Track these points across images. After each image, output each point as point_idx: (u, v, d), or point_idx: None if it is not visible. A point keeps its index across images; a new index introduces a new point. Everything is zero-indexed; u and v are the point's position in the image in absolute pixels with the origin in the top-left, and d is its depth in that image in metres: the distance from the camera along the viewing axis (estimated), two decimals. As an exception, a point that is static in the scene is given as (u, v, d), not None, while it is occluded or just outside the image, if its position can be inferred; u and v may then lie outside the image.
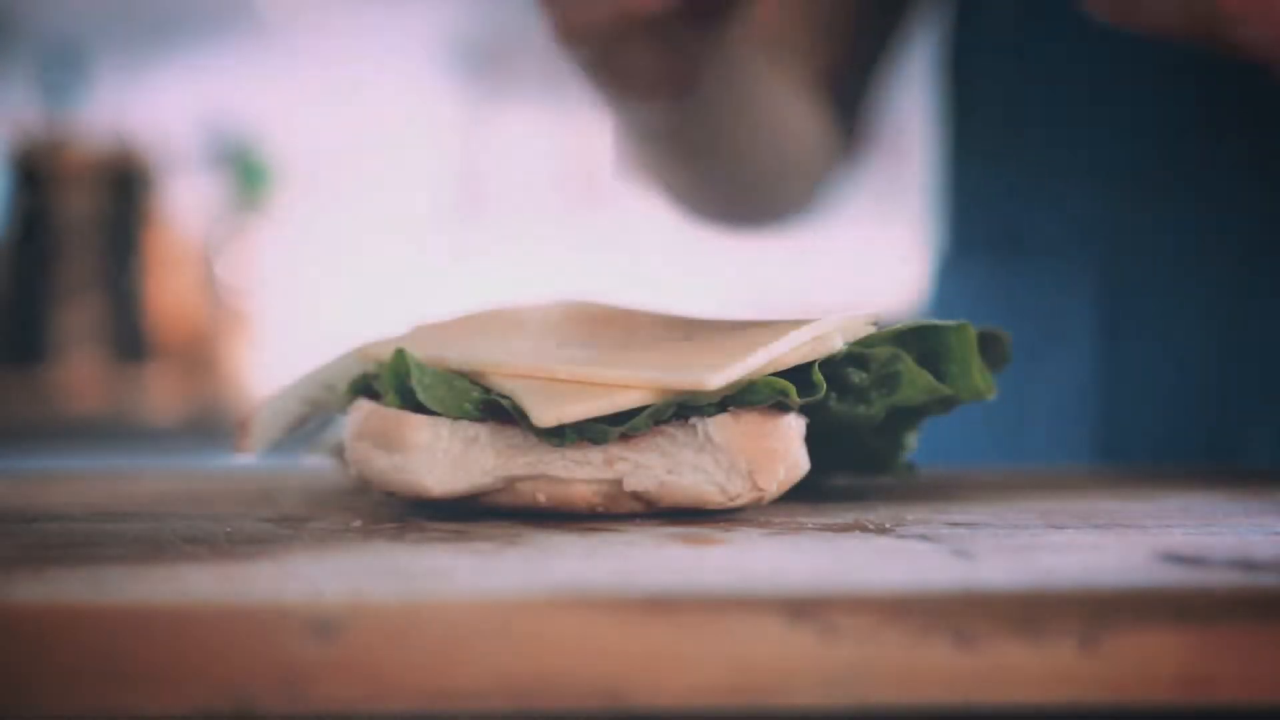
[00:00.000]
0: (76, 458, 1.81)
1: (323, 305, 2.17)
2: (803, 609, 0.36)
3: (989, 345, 0.53)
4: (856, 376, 0.50)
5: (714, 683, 0.36)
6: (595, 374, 0.48)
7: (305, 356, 0.61)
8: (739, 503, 0.48)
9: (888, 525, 0.47)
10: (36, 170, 2.03)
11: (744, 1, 0.68)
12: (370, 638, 0.35)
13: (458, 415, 0.49)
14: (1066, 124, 0.69)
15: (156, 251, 2.10)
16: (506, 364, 0.49)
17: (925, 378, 0.51)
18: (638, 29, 0.63)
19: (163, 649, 0.35)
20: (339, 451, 0.58)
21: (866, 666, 0.36)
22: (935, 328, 0.52)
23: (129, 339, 2.04)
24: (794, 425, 0.49)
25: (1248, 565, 0.40)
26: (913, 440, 0.55)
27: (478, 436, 0.49)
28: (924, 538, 0.44)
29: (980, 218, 0.82)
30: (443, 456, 0.48)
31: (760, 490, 0.48)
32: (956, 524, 0.47)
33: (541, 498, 0.48)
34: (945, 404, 0.53)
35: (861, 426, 0.51)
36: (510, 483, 0.49)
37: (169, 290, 2.11)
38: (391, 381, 0.50)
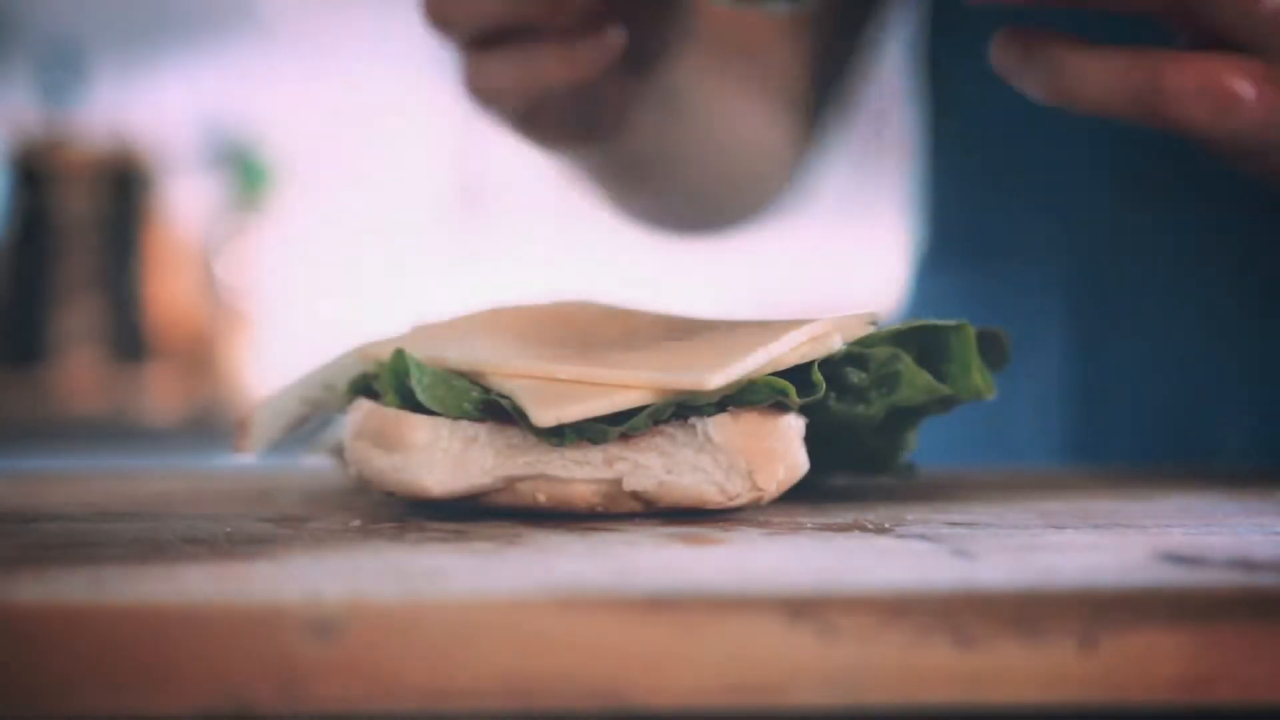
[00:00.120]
0: (76, 458, 1.81)
1: (323, 305, 2.17)
2: (802, 609, 0.36)
3: (988, 345, 0.53)
4: (856, 376, 0.50)
5: (714, 683, 0.36)
6: (595, 374, 0.48)
7: (305, 356, 0.61)
8: (738, 503, 0.48)
9: (887, 525, 0.47)
10: (36, 170, 2.03)
11: (671, 47, 0.68)
12: (370, 638, 0.35)
13: (457, 415, 0.49)
14: (1042, 127, 0.69)
15: (156, 251, 2.10)
16: (506, 364, 0.49)
17: (924, 377, 0.51)
18: (555, 92, 0.63)
19: (162, 649, 0.35)
20: (338, 451, 0.58)
21: (866, 666, 0.36)
22: (934, 327, 0.52)
23: (129, 339, 2.04)
24: (793, 425, 0.49)
25: (1247, 565, 0.40)
26: (912, 440, 0.55)
27: (477, 436, 0.49)
28: (924, 537, 0.44)
29: (957, 221, 0.83)
30: (442, 456, 0.48)
31: (760, 490, 0.48)
32: (956, 524, 0.47)
33: (541, 497, 0.48)
34: (945, 404, 0.53)
35: (861, 426, 0.52)
36: (510, 482, 0.49)
37: (169, 290, 2.11)
38: (391, 381, 0.50)
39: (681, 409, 0.48)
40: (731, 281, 2.13)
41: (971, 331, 0.52)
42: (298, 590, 0.36)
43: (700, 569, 0.40)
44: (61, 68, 2.11)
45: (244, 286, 2.14)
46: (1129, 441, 0.75)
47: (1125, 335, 0.74)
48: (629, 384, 0.48)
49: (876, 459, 0.55)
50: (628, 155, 0.74)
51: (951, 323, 0.52)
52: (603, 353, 0.50)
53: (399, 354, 0.50)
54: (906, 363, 0.50)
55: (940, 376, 0.51)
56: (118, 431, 1.91)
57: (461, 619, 0.36)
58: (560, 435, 0.47)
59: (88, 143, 2.07)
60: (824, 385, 0.49)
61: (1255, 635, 0.36)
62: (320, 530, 0.46)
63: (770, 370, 0.49)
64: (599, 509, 0.49)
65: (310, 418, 0.56)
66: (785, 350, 0.49)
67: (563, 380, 0.48)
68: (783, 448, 0.48)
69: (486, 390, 0.49)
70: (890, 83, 0.98)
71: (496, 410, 0.48)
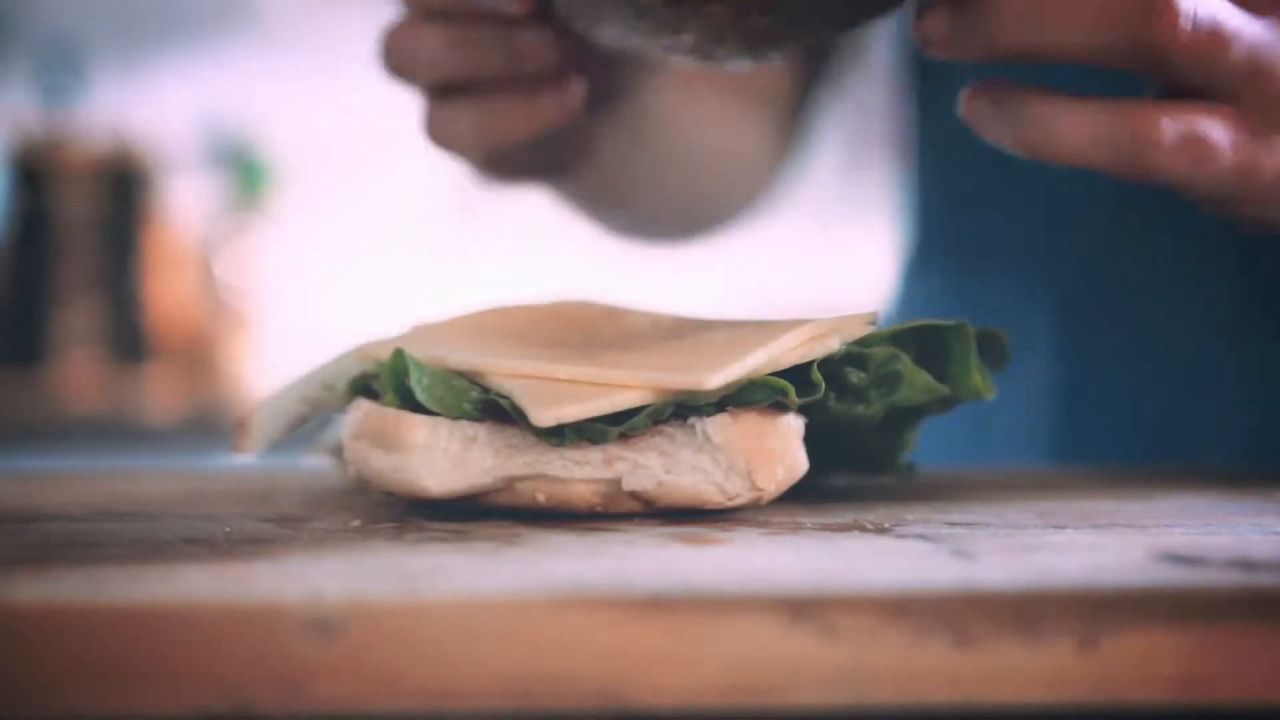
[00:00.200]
0: (76, 458, 1.81)
1: (322, 305, 2.17)
2: (802, 609, 0.36)
3: (988, 345, 0.53)
4: (855, 376, 0.50)
5: (713, 683, 0.36)
6: (594, 374, 0.48)
7: (305, 356, 0.61)
8: (738, 502, 0.48)
9: (887, 525, 0.47)
10: (36, 170, 2.03)
11: (638, 78, 0.67)
12: (369, 638, 0.35)
13: (457, 415, 0.49)
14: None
15: (156, 251, 2.10)
16: (505, 364, 0.49)
17: (924, 377, 0.51)
18: (518, 141, 0.62)
19: (162, 649, 0.35)
20: (338, 451, 0.58)
21: (866, 666, 0.36)
22: (934, 327, 0.52)
23: (129, 339, 2.04)
24: (793, 425, 0.49)
25: (1247, 565, 0.40)
26: (912, 440, 0.55)
27: (477, 436, 0.49)
28: (923, 537, 0.44)
29: (945, 223, 0.83)
30: (441, 456, 0.48)
31: (759, 490, 0.48)
32: (956, 524, 0.47)
33: (541, 497, 0.48)
34: (944, 404, 0.53)
35: (860, 426, 0.52)
36: (509, 482, 0.49)
37: (169, 290, 2.11)
38: (390, 381, 0.50)
39: (681, 409, 0.48)
40: (722, 283, 2.13)
41: (971, 331, 0.52)
42: (298, 590, 0.36)
43: (700, 569, 0.40)
44: (61, 68, 2.11)
45: (244, 286, 2.14)
46: (1116, 443, 0.75)
47: (1112, 338, 0.74)
48: (628, 384, 0.48)
49: (876, 459, 0.55)
50: (597, 181, 0.74)
51: (951, 322, 0.52)
52: (602, 353, 0.50)
53: (398, 354, 0.50)
54: (906, 363, 0.50)
55: (940, 376, 0.51)
56: (118, 431, 1.91)
57: (461, 619, 0.36)
58: (560, 435, 0.47)
59: (88, 143, 2.07)
60: (823, 385, 0.49)
61: (1255, 635, 0.36)
62: (320, 530, 0.46)
63: (770, 370, 0.49)
64: (599, 509, 0.49)
65: (310, 418, 0.56)
66: (784, 350, 0.49)
67: (562, 380, 0.48)
68: (782, 448, 0.48)
69: (486, 390, 0.49)
70: (879, 82, 0.98)
71: (496, 410, 0.48)
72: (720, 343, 0.50)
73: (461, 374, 0.49)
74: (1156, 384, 0.74)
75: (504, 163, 0.65)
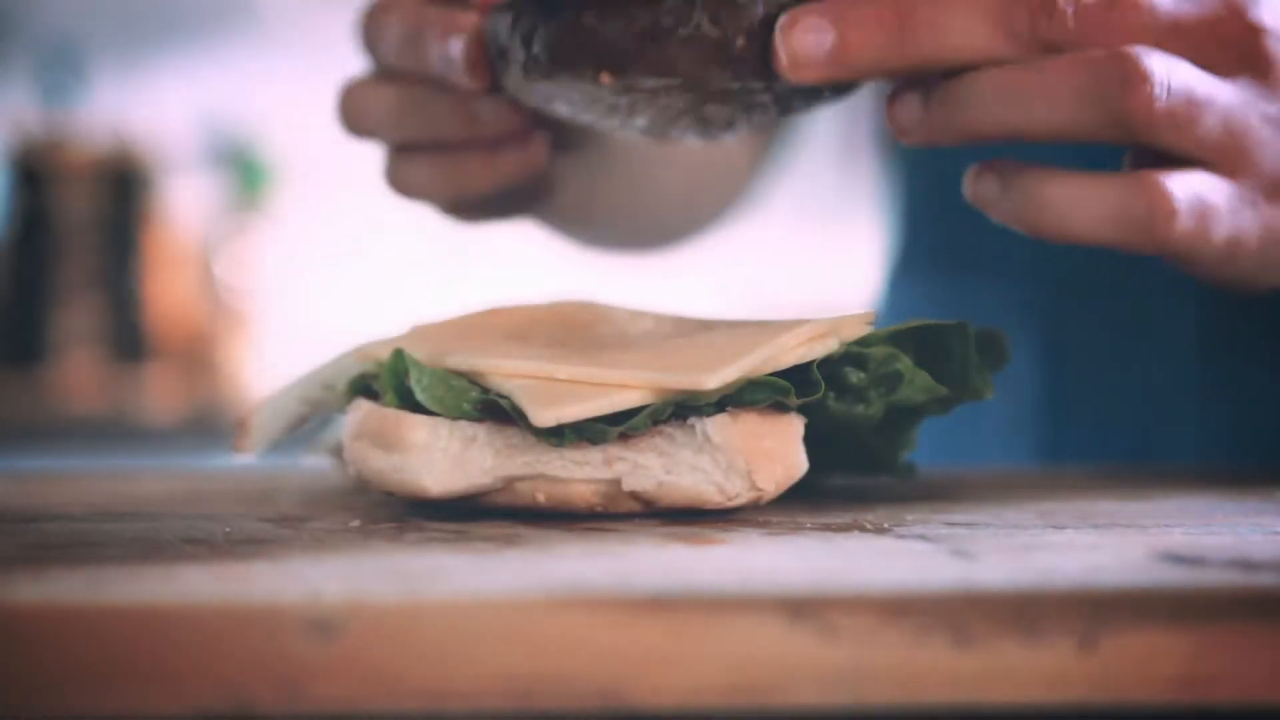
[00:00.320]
0: (76, 458, 1.81)
1: (322, 305, 2.17)
2: (802, 609, 0.36)
3: (987, 345, 0.53)
4: (855, 376, 0.50)
5: (713, 683, 0.36)
6: (594, 374, 0.48)
7: (305, 356, 0.61)
8: (737, 503, 0.48)
9: (887, 525, 0.47)
10: (35, 170, 2.04)
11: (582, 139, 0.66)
12: (369, 638, 0.35)
13: (456, 415, 0.49)
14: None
15: (156, 251, 2.10)
16: (505, 364, 0.49)
17: (923, 377, 0.51)
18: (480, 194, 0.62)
19: (161, 649, 0.35)
20: (338, 451, 0.58)
21: (866, 666, 0.36)
22: (934, 327, 0.52)
23: (128, 339, 2.04)
24: (792, 425, 0.49)
25: (1246, 565, 0.40)
26: (912, 440, 0.55)
27: (476, 436, 0.49)
28: (923, 537, 0.44)
29: (929, 229, 0.83)
30: (441, 456, 0.48)
31: (759, 490, 0.48)
32: (955, 524, 0.47)
33: (540, 497, 0.48)
34: (944, 404, 0.53)
35: (860, 426, 0.51)
36: (509, 482, 0.49)
37: (169, 290, 2.11)
38: (390, 381, 0.50)
39: (680, 409, 0.48)
40: (718, 283, 2.13)
41: (971, 331, 0.52)
42: (297, 590, 0.36)
43: (700, 569, 0.40)
44: (61, 68, 2.11)
45: (244, 286, 2.14)
46: (1099, 446, 0.75)
47: (1094, 342, 0.75)
48: (628, 384, 0.48)
49: (876, 459, 0.55)
50: (568, 209, 0.73)
51: (950, 323, 0.52)
52: (602, 353, 0.50)
53: (398, 354, 0.50)
54: (905, 362, 0.50)
55: (939, 376, 0.51)
56: (118, 431, 1.91)
57: (461, 619, 0.36)
58: (559, 435, 0.47)
59: (88, 143, 2.07)
60: (823, 385, 0.49)
61: (1255, 635, 0.36)
62: (320, 530, 0.46)
63: (769, 370, 0.49)
64: (598, 509, 0.49)
65: (310, 418, 0.56)
66: (784, 350, 0.49)
67: (562, 380, 0.48)
68: (782, 448, 0.48)
69: (485, 390, 0.49)
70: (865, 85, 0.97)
71: (496, 410, 0.48)
72: (720, 343, 0.50)
73: (461, 374, 0.49)
74: (1138, 388, 0.74)
75: (469, 208, 0.65)
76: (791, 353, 0.49)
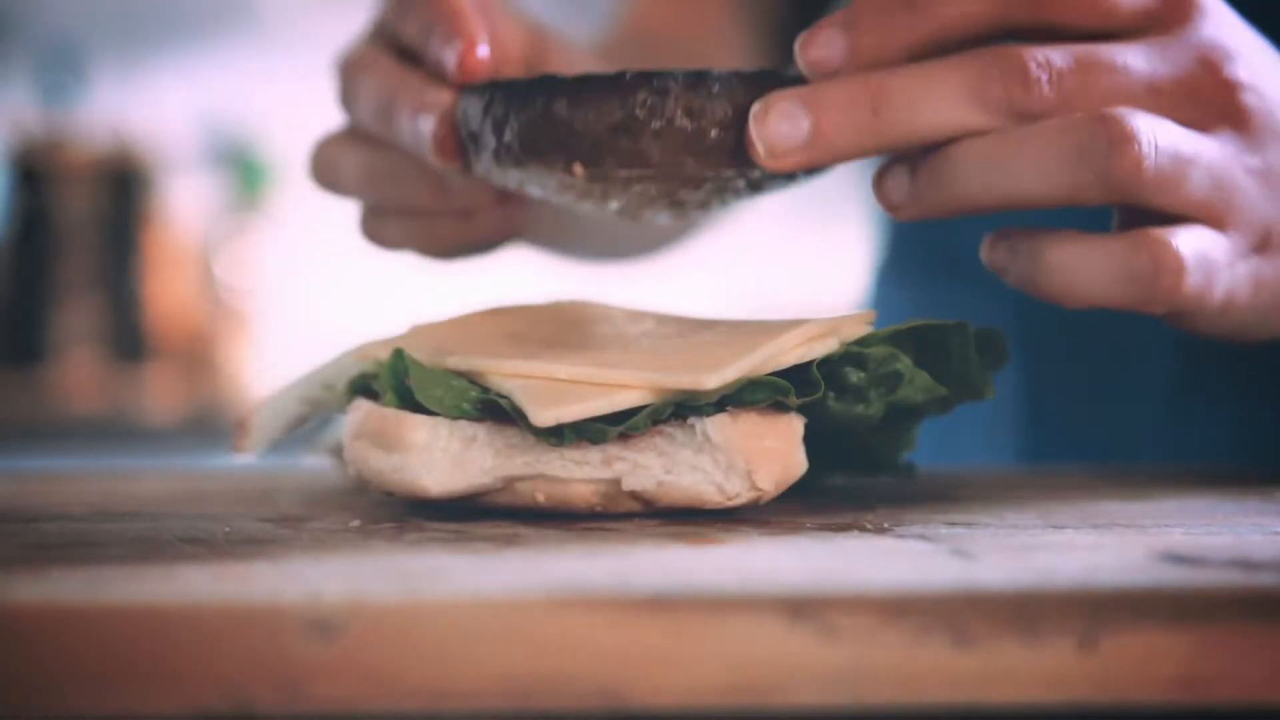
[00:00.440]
0: (76, 458, 1.81)
1: (322, 305, 2.17)
2: (802, 609, 0.36)
3: (987, 345, 0.53)
4: (854, 376, 0.50)
5: (713, 683, 0.36)
6: (593, 374, 0.48)
7: (304, 356, 0.61)
8: (737, 502, 0.48)
9: (886, 525, 0.47)
10: (35, 170, 2.04)
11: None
12: (369, 638, 0.35)
13: (456, 415, 0.49)
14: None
15: (156, 251, 2.10)
16: (505, 364, 0.49)
17: (923, 377, 0.51)
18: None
19: (161, 649, 0.35)
20: (337, 451, 0.58)
21: (865, 666, 0.36)
22: (933, 327, 0.52)
23: (128, 339, 2.04)
24: (792, 425, 0.49)
25: (1246, 565, 0.40)
26: (912, 440, 0.55)
27: (476, 436, 0.49)
28: (923, 537, 0.44)
29: (913, 235, 0.83)
30: (441, 456, 0.48)
31: (758, 490, 0.48)
32: (955, 524, 0.47)
33: (540, 497, 0.48)
34: (944, 403, 0.53)
35: (860, 426, 0.51)
36: (509, 482, 0.49)
37: (168, 290, 2.11)
38: (390, 381, 0.50)
39: (680, 409, 0.48)
40: (714, 284, 2.13)
41: (971, 331, 0.52)
42: (297, 590, 0.36)
43: (700, 569, 0.40)
44: (61, 68, 2.11)
45: (244, 286, 2.14)
46: (1076, 452, 0.76)
47: (1073, 346, 0.75)
48: (628, 384, 0.48)
49: (875, 459, 0.55)
50: (545, 238, 0.73)
51: (950, 322, 0.52)
52: (602, 353, 0.50)
53: (398, 354, 0.50)
54: (905, 362, 0.50)
55: (939, 376, 0.51)
56: (117, 431, 1.91)
57: (461, 619, 0.36)
58: (559, 435, 0.47)
59: (88, 143, 2.07)
60: (823, 385, 0.49)
61: (1255, 635, 0.36)
62: (320, 530, 0.46)
63: (769, 370, 0.49)
64: (598, 509, 0.49)
65: (310, 418, 0.56)
66: (784, 350, 0.49)
67: (561, 380, 0.48)
68: (782, 447, 0.48)
69: (485, 390, 0.49)
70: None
71: (495, 410, 0.48)
72: (720, 343, 0.50)
73: (461, 374, 0.49)
74: (1116, 392, 0.74)
75: (446, 257, 0.64)
76: (791, 353, 0.49)
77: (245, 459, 0.56)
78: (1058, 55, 0.49)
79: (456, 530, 0.46)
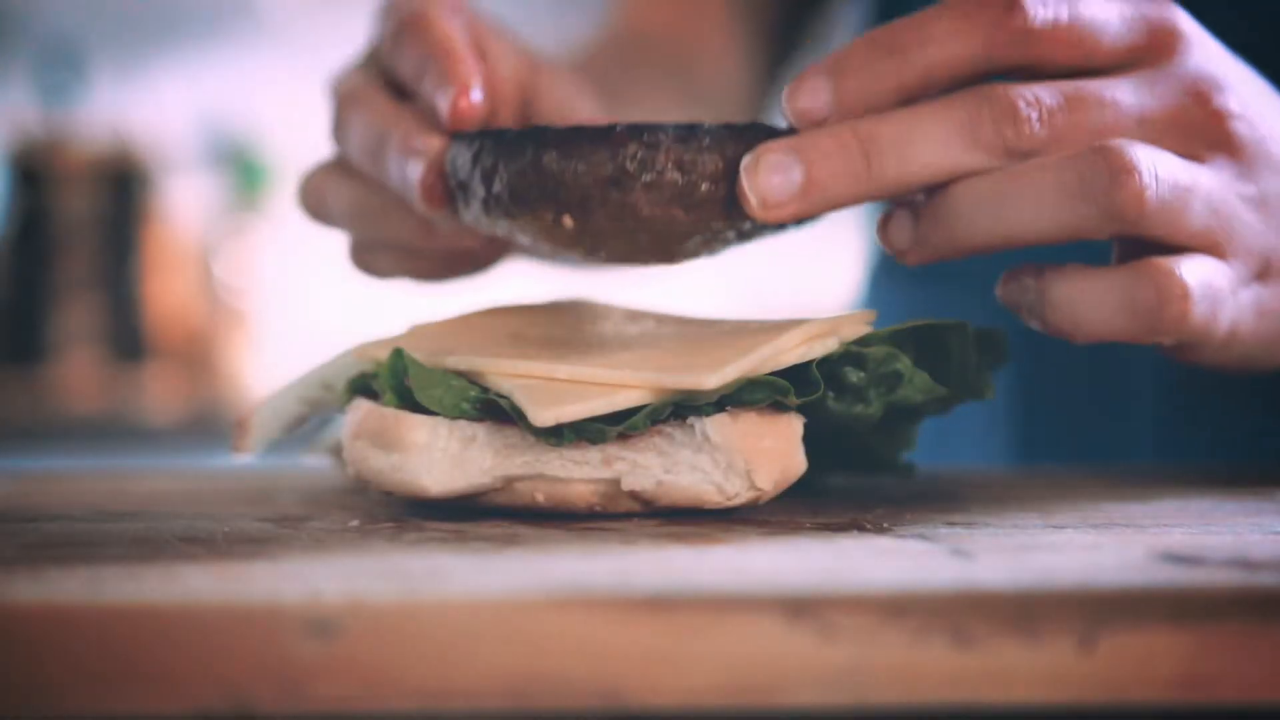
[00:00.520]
0: (75, 458, 1.81)
1: (322, 305, 2.17)
2: (801, 609, 0.36)
3: (987, 344, 0.53)
4: (854, 375, 0.50)
5: (713, 682, 0.36)
6: (593, 374, 0.48)
7: (304, 356, 0.61)
8: (737, 502, 0.48)
9: (886, 525, 0.47)
10: (35, 170, 2.04)
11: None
12: (368, 638, 0.35)
13: (456, 415, 0.49)
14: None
15: (155, 251, 2.10)
16: (504, 363, 0.49)
17: (923, 377, 0.51)
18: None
19: (161, 649, 0.35)
20: (337, 451, 0.58)
21: (865, 666, 0.36)
22: (933, 327, 0.52)
23: (128, 339, 2.04)
24: (792, 425, 0.49)
25: (1246, 565, 0.40)
26: (912, 439, 0.55)
27: (476, 436, 0.49)
28: (922, 537, 0.44)
29: None
30: (441, 456, 0.48)
31: (758, 490, 0.48)
32: (955, 523, 0.47)
33: (540, 497, 0.48)
34: (943, 403, 0.53)
35: (859, 426, 0.51)
36: (508, 482, 0.49)
37: (168, 290, 2.11)
38: (389, 381, 0.50)
39: (680, 409, 0.48)
40: (712, 284, 2.13)
41: (970, 331, 0.52)
42: (296, 590, 0.36)
43: (699, 569, 0.40)
44: (61, 68, 2.11)
45: (243, 286, 2.14)
46: (1067, 452, 0.75)
47: (1070, 353, 0.75)
48: (627, 384, 0.48)
49: (875, 459, 0.55)
50: (533, 251, 0.73)
51: (950, 322, 0.52)
52: (601, 353, 0.50)
53: (397, 353, 0.50)
54: (905, 362, 0.50)
55: (939, 376, 0.51)
56: (117, 431, 1.91)
57: (460, 619, 0.36)
58: (559, 435, 0.47)
59: (87, 143, 2.07)
60: (822, 384, 0.49)
61: (1255, 635, 0.36)
62: (319, 530, 0.46)
63: (769, 370, 0.49)
64: (597, 509, 0.49)
65: (309, 418, 0.56)
66: (783, 350, 0.49)
67: (561, 380, 0.48)
68: (781, 447, 0.48)
69: (485, 390, 0.49)
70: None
71: (495, 410, 0.48)
72: (720, 343, 0.50)
73: (460, 374, 0.49)
74: (1112, 392, 0.74)
75: (435, 283, 0.64)
76: (791, 352, 0.49)
77: (245, 459, 0.56)
78: (1046, 93, 0.49)
79: (456, 530, 0.46)
